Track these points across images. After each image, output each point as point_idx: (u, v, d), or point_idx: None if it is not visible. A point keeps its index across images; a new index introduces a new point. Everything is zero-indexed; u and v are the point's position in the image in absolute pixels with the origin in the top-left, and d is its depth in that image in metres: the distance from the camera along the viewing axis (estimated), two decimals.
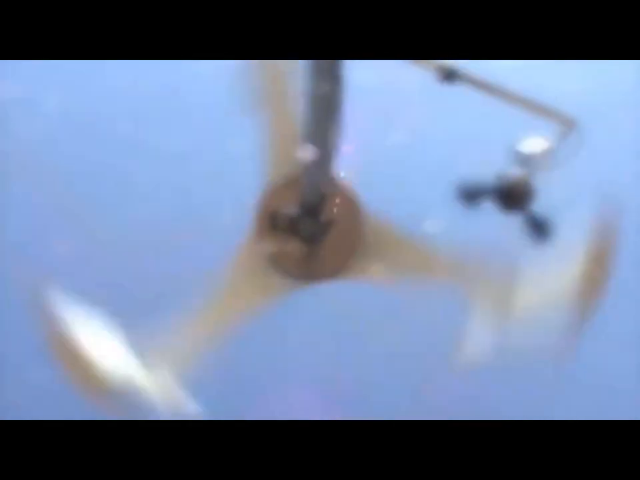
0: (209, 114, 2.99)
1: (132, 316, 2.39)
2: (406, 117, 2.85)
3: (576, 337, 2.22)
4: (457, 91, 2.31)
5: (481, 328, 2.32)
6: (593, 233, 2.27)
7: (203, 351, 2.45)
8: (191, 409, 2.31)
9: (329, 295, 2.75)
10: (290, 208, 2.67)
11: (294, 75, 2.43)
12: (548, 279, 2.30)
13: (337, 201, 2.66)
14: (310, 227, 2.67)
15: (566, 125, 2.32)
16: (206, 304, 2.51)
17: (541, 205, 2.32)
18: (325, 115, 2.10)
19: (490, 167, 2.46)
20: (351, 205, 2.73)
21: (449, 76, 2.20)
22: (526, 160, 2.30)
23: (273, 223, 2.68)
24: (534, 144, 2.32)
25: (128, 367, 2.29)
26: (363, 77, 2.52)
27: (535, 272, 2.32)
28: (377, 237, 2.61)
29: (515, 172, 2.31)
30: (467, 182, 2.32)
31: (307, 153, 2.29)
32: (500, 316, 2.31)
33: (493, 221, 2.37)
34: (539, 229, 2.31)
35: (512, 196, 2.31)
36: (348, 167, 2.53)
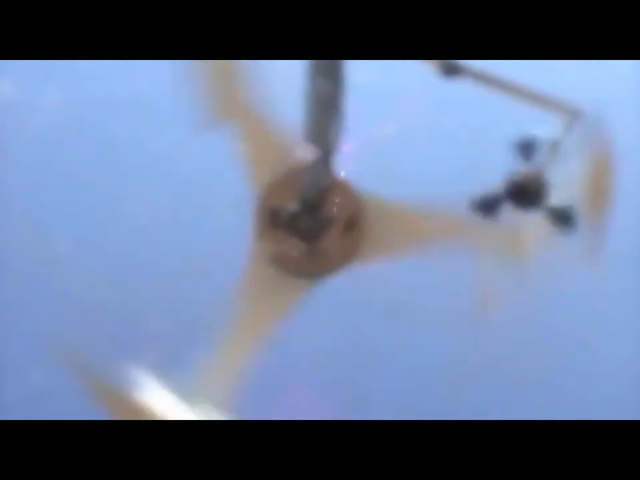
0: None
1: (163, 361, 2.40)
2: (405, 116, 2.85)
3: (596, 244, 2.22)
4: (459, 88, 2.31)
5: (492, 282, 2.32)
6: (592, 153, 2.26)
7: (240, 377, 2.46)
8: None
9: (329, 292, 2.75)
10: (290, 205, 2.67)
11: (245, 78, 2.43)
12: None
13: (337, 198, 2.66)
14: (310, 224, 2.67)
15: (572, 116, 2.31)
16: (230, 330, 2.51)
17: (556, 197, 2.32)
18: (324, 114, 2.10)
19: (494, 162, 2.46)
20: (351, 202, 2.73)
21: (450, 70, 2.19)
22: (531, 153, 2.29)
23: (274, 220, 2.68)
24: (538, 135, 2.32)
25: (175, 410, 2.30)
26: (363, 77, 2.52)
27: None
28: (377, 215, 2.61)
29: (524, 170, 2.31)
30: (479, 195, 2.30)
31: (306, 152, 2.29)
32: (513, 260, 2.30)
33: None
34: (563, 219, 2.30)
35: (526, 194, 2.30)
36: (348, 165, 2.53)
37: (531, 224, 2.33)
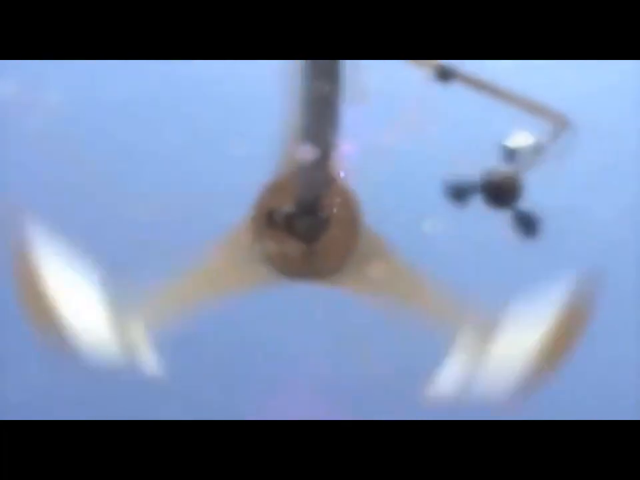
0: (208, 114, 2.99)
1: (116, 270, 2.38)
2: (404, 116, 2.85)
3: (533, 390, 2.25)
4: (454, 90, 2.31)
5: (456, 365, 2.34)
6: (568, 298, 2.29)
7: (180, 314, 2.45)
8: (150, 368, 2.30)
9: (327, 293, 2.75)
10: (287, 206, 2.67)
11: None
12: (525, 332, 2.32)
13: (335, 199, 2.66)
14: (307, 225, 2.67)
15: (559, 123, 2.33)
16: (189, 274, 2.51)
17: (528, 201, 2.33)
18: (324, 115, 2.10)
19: (485, 165, 2.46)
20: (349, 203, 2.73)
21: (445, 75, 2.20)
22: (513, 155, 2.31)
23: (271, 220, 2.68)
24: (521, 139, 2.33)
25: (97, 316, 2.29)
26: (363, 77, 2.53)
27: (515, 324, 2.34)
28: (370, 253, 2.62)
29: (502, 168, 2.32)
30: (454, 180, 2.33)
31: (305, 152, 2.29)
32: (475, 358, 2.33)
33: (489, 222, 2.38)
34: (527, 225, 2.32)
35: (500, 192, 2.32)
36: (346, 166, 2.53)
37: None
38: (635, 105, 2.87)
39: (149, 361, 2.28)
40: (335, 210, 2.67)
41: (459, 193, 2.33)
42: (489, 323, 2.33)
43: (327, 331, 2.89)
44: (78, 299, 2.28)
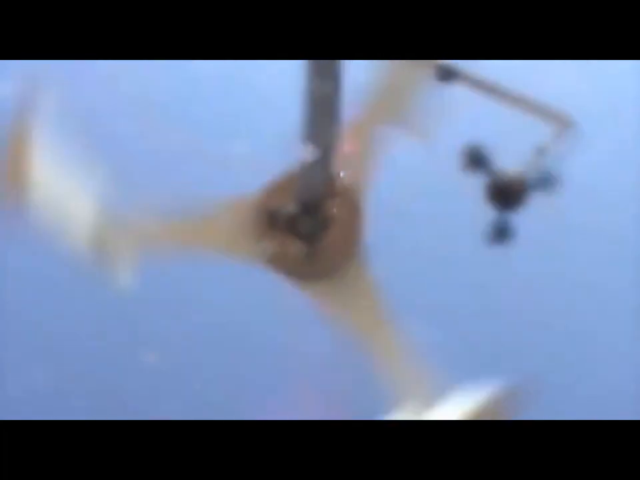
0: (209, 114, 2.99)
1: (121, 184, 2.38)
2: (404, 116, 2.85)
3: None
4: (456, 91, 2.31)
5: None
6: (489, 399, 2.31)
7: (170, 246, 2.45)
8: (126, 279, 2.29)
9: (328, 293, 2.75)
10: (289, 206, 2.67)
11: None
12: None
13: (336, 199, 2.66)
14: (309, 226, 2.67)
15: (562, 124, 2.32)
16: (186, 220, 2.51)
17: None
18: (324, 115, 2.10)
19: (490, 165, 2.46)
20: (350, 204, 2.72)
21: (447, 75, 2.20)
22: (480, 164, 2.31)
23: (272, 221, 2.68)
24: (529, 143, 2.34)
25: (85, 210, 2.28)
26: (363, 77, 2.53)
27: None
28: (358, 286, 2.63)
29: (511, 171, 2.32)
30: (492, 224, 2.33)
31: (306, 152, 2.29)
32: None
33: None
34: (501, 232, 2.33)
35: (506, 194, 2.31)
36: (347, 166, 2.53)
37: None
38: (635, 105, 2.87)
39: (124, 274, 2.29)
40: (335, 210, 2.67)
41: (500, 233, 2.34)
42: (430, 398, 2.35)
43: (326, 330, 2.89)
44: (69, 189, 2.26)
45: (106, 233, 2.33)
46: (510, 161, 2.33)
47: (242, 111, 2.96)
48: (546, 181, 2.28)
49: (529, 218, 2.35)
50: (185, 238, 2.52)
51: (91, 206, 2.32)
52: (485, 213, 2.34)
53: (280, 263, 2.67)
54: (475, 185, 2.35)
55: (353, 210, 2.69)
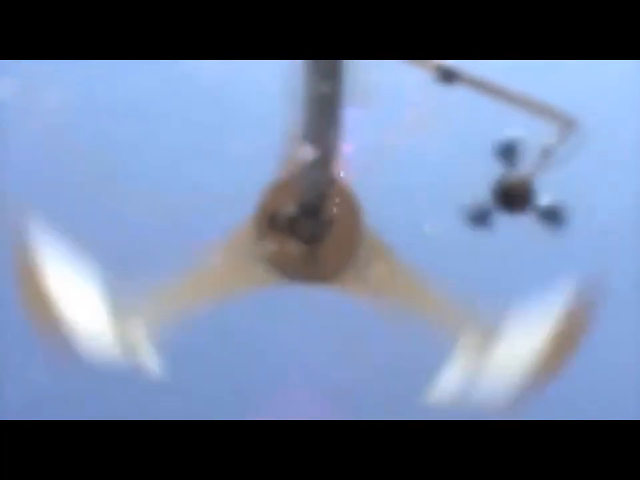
0: (209, 114, 2.99)
1: (117, 269, 2.38)
2: (407, 117, 2.85)
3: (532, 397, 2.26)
4: (456, 91, 2.30)
5: (456, 369, 2.35)
6: (568, 301, 2.30)
7: (176, 316, 2.45)
8: (152, 368, 2.30)
9: (329, 294, 2.75)
10: (289, 208, 2.67)
11: None
12: (524, 339, 2.33)
13: (337, 200, 2.66)
14: (309, 227, 2.66)
15: (565, 124, 2.32)
16: (190, 275, 2.51)
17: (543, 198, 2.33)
18: (324, 115, 2.10)
19: (488, 167, 2.46)
20: (350, 205, 2.72)
21: (447, 76, 2.19)
22: (522, 158, 2.30)
23: (272, 222, 2.68)
24: (518, 140, 2.33)
25: (99, 315, 2.29)
26: (362, 76, 2.52)
27: (515, 331, 2.35)
28: (371, 255, 2.62)
29: (512, 174, 2.31)
30: (471, 208, 2.32)
31: (306, 153, 2.29)
32: (476, 362, 2.33)
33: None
34: (552, 217, 2.31)
35: (513, 198, 2.31)
36: (347, 166, 2.52)
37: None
38: (635, 104, 2.87)
39: (150, 359, 2.29)
40: (336, 211, 2.67)
41: (480, 218, 2.32)
42: (490, 327, 2.33)
43: (327, 332, 2.89)
44: (79, 298, 2.28)
45: (122, 326, 2.33)
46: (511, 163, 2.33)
47: (242, 111, 2.96)
48: (553, 215, 2.29)
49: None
50: (193, 295, 2.51)
51: (100, 304, 2.33)
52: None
53: (281, 264, 2.67)
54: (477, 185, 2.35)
55: (354, 210, 2.69)
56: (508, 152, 2.28)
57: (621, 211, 2.80)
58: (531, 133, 2.33)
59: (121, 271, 2.37)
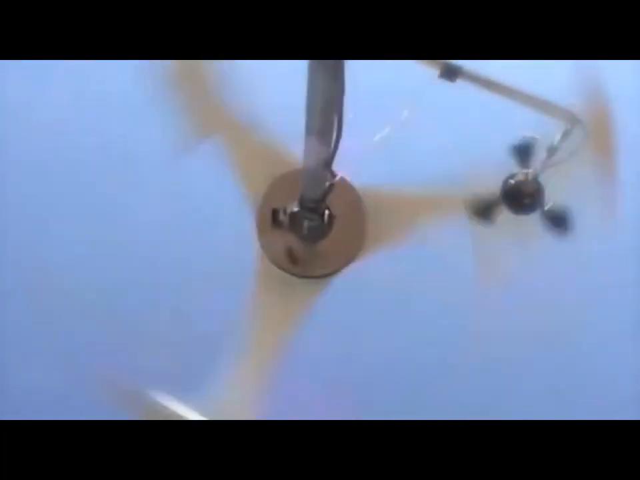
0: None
1: (182, 384, 2.40)
2: (406, 116, 2.85)
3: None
4: (459, 89, 2.30)
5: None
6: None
7: (262, 386, 2.46)
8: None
9: (331, 291, 2.75)
10: (291, 205, 2.68)
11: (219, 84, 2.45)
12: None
13: (339, 198, 2.67)
14: (311, 224, 2.67)
15: (570, 121, 2.31)
16: (244, 343, 2.52)
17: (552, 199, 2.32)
18: (326, 114, 2.10)
19: (493, 165, 2.46)
20: (352, 202, 2.73)
21: (450, 73, 2.19)
22: (529, 158, 2.29)
23: (275, 220, 2.68)
24: (536, 141, 2.32)
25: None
26: (363, 76, 2.52)
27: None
28: (375, 206, 2.62)
29: (520, 173, 2.30)
30: (475, 202, 2.31)
31: (308, 151, 2.29)
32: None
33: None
34: (559, 222, 2.30)
35: (522, 198, 2.30)
36: (349, 165, 2.53)
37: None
38: (635, 104, 2.87)
39: None
40: (339, 209, 2.68)
41: (483, 213, 2.32)
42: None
43: (328, 331, 2.89)
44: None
45: None
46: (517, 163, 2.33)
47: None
48: (560, 220, 2.27)
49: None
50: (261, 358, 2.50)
51: None
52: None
53: (284, 262, 2.68)
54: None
55: (357, 208, 2.70)
56: (525, 152, 2.26)
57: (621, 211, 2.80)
58: (534, 130, 2.33)
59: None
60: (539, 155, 2.25)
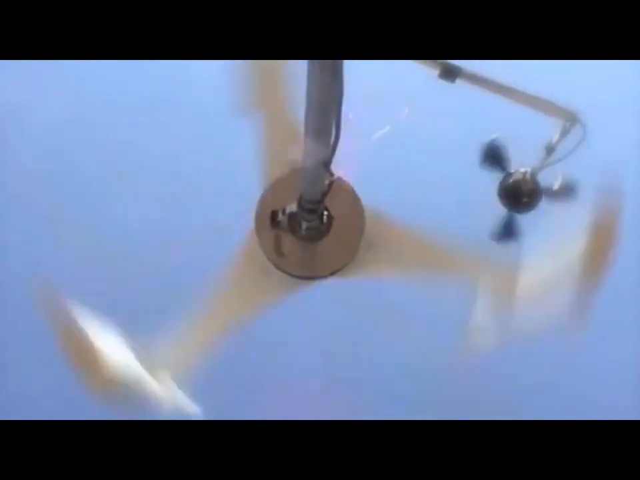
0: (208, 114, 2.99)
1: (135, 320, 2.40)
2: (406, 115, 2.85)
3: (585, 308, 2.24)
4: (457, 88, 2.30)
5: (485, 315, 2.34)
6: (596, 211, 2.28)
7: (205, 353, 2.46)
8: (191, 410, 2.32)
9: (330, 292, 2.75)
10: (290, 205, 2.67)
11: (288, 76, 2.45)
12: (549, 259, 2.32)
13: (337, 197, 2.66)
14: (310, 224, 2.67)
15: (568, 119, 2.31)
16: (207, 306, 2.51)
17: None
18: (325, 114, 2.10)
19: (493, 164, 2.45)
20: (351, 202, 2.73)
21: (450, 73, 2.19)
22: (500, 162, 2.29)
23: (274, 220, 2.68)
24: (537, 140, 2.32)
25: (132, 369, 2.31)
26: (363, 76, 2.52)
27: (536, 254, 2.33)
28: (378, 231, 2.62)
29: (518, 172, 2.30)
30: (497, 227, 2.30)
31: (307, 151, 2.29)
32: (504, 301, 2.33)
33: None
34: (511, 231, 2.31)
35: (520, 196, 2.29)
36: (348, 164, 2.52)
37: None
38: (635, 104, 2.87)
39: (185, 401, 2.31)
40: (337, 209, 2.67)
41: (508, 235, 2.31)
42: (509, 265, 2.32)
43: (328, 330, 2.89)
44: (112, 358, 2.31)
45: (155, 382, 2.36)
46: (515, 160, 2.32)
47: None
48: (564, 190, 2.26)
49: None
50: (214, 329, 2.51)
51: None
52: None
53: (283, 262, 2.67)
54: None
55: (355, 208, 2.69)
56: (493, 158, 2.25)
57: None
58: (532, 129, 2.32)
59: (140, 325, 2.39)
60: (509, 158, 2.26)
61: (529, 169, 2.29)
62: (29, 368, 2.73)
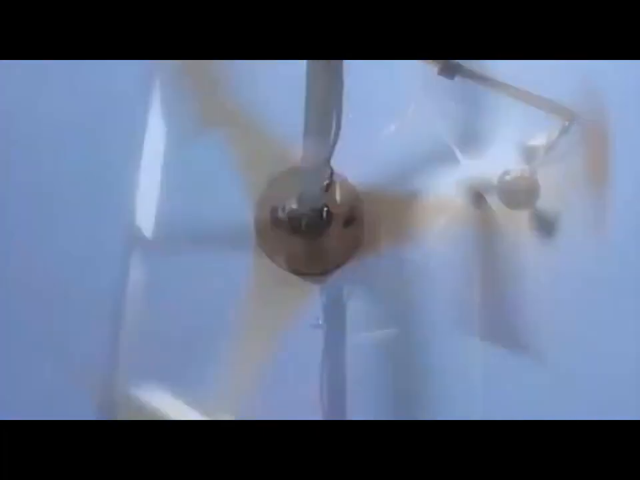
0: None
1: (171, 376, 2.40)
2: (406, 114, 2.85)
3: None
4: (458, 86, 2.30)
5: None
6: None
7: (254, 383, 2.46)
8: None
9: (330, 290, 2.75)
10: (290, 203, 2.68)
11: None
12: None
13: (337, 196, 2.67)
14: (310, 222, 2.68)
15: (568, 118, 2.32)
16: (237, 339, 2.52)
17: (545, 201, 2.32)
18: (325, 113, 2.11)
19: (493, 163, 2.46)
20: (351, 200, 2.74)
21: (449, 70, 2.19)
22: (528, 155, 2.29)
23: (274, 218, 2.69)
24: (535, 138, 2.32)
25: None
26: (363, 76, 2.52)
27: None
28: (375, 207, 2.63)
29: (516, 169, 2.31)
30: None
31: (307, 150, 2.29)
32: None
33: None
34: (546, 225, 2.30)
35: (517, 194, 2.30)
36: (348, 163, 2.53)
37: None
38: (635, 104, 2.87)
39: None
40: (338, 205, 2.68)
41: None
42: None
43: (329, 328, 2.89)
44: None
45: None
46: (514, 159, 2.32)
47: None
48: (547, 225, 2.27)
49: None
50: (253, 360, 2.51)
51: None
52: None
53: (284, 260, 2.68)
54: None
55: (356, 205, 2.70)
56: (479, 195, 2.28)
57: (622, 211, 2.80)
58: (531, 129, 2.32)
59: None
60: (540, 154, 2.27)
61: (527, 167, 2.30)
62: (29, 368, 2.73)
